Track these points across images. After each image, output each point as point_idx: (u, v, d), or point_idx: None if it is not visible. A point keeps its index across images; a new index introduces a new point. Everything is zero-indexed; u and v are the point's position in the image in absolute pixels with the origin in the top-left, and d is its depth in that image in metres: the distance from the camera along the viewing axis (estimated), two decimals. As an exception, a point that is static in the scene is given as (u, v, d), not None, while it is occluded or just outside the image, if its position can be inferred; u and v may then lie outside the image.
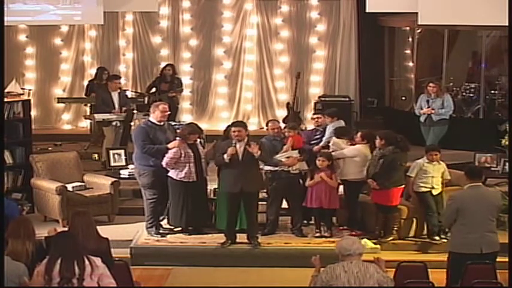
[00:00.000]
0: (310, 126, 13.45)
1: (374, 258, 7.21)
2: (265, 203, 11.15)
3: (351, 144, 11.28)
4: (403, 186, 10.92)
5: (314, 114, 12.48)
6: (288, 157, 10.92)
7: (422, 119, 13.47)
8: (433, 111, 13.32)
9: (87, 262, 6.93)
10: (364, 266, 6.79)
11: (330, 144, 11.39)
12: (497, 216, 8.92)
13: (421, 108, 13.49)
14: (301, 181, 11.19)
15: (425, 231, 11.10)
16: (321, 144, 11.70)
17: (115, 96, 14.18)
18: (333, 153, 11.14)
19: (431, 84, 13.46)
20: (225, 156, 10.39)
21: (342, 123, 12.05)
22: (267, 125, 11.69)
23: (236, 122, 11.31)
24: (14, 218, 8.06)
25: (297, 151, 11.01)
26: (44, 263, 6.93)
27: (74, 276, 6.84)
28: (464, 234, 8.60)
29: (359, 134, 11.26)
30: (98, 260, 7.03)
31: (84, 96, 15.92)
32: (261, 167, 10.89)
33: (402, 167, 10.86)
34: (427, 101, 13.43)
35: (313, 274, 7.04)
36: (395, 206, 10.89)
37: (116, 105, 14.09)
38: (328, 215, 11.11)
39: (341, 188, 11.33)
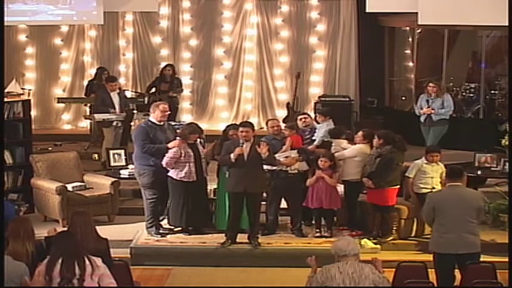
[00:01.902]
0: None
1: (372, 259, 7.22)
2: (265, 203, 11.15)
3: (353, 144, 11.30)
4: (399, 186, 10.92)
5: (300, 114, 12.40)
6: (286, 157, 10.92)
7: (422, 119, 13.48)
8: (433, 111, 13.32)
9: (87, 262, 6.93)
10: (360, 266, 6.78)
11: (333, 145, 11.38)
12: (479, 218, 8.80)
13: (421, 108, 13.49)
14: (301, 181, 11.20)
15: (426, 231, 11.10)
16: (315, 143, 11.70)
17: (114, 96, 14.18)
18: (337, 154, 11.13)
19: (431, 84, 13.47)
20: (232, 155, 10.40)
21: (331, 122, 12.03)
22: (266, 124, 11.70)
23: (244, 122, 11.33)
24: (11, 219, 8.03)
25: (295, 151, 11.01)
26: (45, 263, 6.93)
27: (75, 277, 6.85)
28: (441, 233, 8.56)
29: (360, 133, 11.25)
30: (98, 260, 7.03)
31: (84, 96, 15.92)
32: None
33: (398, 166, 10.86)
34: (427, 101, 13.44)
35: (309, 275, 7.04)
36: (392, 206, 10.88)
37: (116, 106, 14.10)
38: (329, 215, 11.11)
39: (341, 188, 11.31)
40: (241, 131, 10.56)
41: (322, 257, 7.25)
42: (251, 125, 10.80)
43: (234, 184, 10.54)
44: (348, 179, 11.13)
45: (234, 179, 10.54)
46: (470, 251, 8.49)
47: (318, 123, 12.09)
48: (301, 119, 12.00)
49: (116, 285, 7.09)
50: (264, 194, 11.15)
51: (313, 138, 11.83)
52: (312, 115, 13.20)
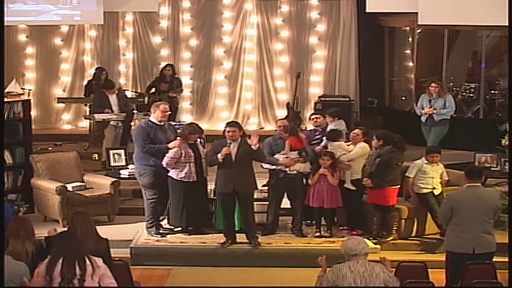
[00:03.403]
0: (310, 126, 13.43)
1: (380, 258, 7.24)
2: (265, 203, 11.15)
3: (353, 145, 11.30)
4: (399, 186, 10.93)
5: (313, 114, 12.45)
6: (286, 157, 10.91)
7: (423, 119, 13.45)
8: (434, 111, 13.30)
9: (88, 262, 6.92)
10: (371, 265, 6.82)
11: (329, 147, 11.36)
12: (495, 218, 8.86)
13: (422, 108, 13.47)
14: (304, 181, 11.19)
15: (426, 231, 11.10)
16: (323, 144, 11.68)
17: (112, 98, 14.17)
18: (344, 156, 11.12)
19: (433, 85, 13.44)
20: (219, 156, 10.40)
21: (342, 123, 12.05)
22: (276, 123, 11.73)
23: (230, 122, 11.26)
24: (9, 219, 8.03)
25: (296, 152, 10.99)
26: (45, 263, 6.93)
27: (75, 277, 6.84)
28: (458, 233, 8.60)
29: (359, 131, 11.25)
30: (99, 261, 7.02)
31: (83, 96, 15.93)
32: (261, 165, 10.91)
33: (398, 166, 10.86)
34: (429, 101, 13.41)
35: (319, 274, 7.07)
36: (392, 206, 10.88)
37: (114, 107, 14.08)
38: (329, 214, 11.11)
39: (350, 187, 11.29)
40: (228, 131, 10.54)
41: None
42: (238, 124, 10.80)
43: (223, 184, 10.54)
44: (355, 178, 11.11)
45: (222, 179, 10.54)
46: (486, 251, 8.57)
47: (327, 123, 12.06)
48: (313, 119, 12.02)
49: (116, 286, 7.08)
50: (265, 195, 11.17)
51: (323, 138, 11.81)
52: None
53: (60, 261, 6.87)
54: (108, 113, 14.03)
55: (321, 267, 7.17)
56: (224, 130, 11.48)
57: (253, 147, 10.42)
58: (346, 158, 11.14)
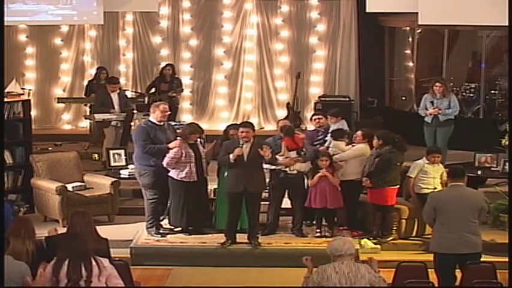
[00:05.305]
0: (310, 126, 13.42)
1: (367, 258, 7.22)
2: (266, 203, 11.16)
3: (351, 145, 11.29)
4: (398, 186, 10.93)
5: (314, 115, 12.42)
6: (286, 157, 10.91)
7: (428, 119, 13.23)
8: (440, 112, 13.15)
9: (94, 263, 6.90)
10: (356, 266, 6.80)
11: (330, 146, 11.38)
12: (481, 218, 8.79)
13: (426, 109, 13.27)
14: (305, 181, 11.19)
15: (426, 231, 11.10)
16: (326, 144, 11.65)
17: (114, 97, 14.19)
18: (337, 156, 11.14)
19: (437, 84, 13.22)
20: (231, 156, 10.40)
21: (344, 123, 12.04)
22: (277, 124, 11.71)
23: (244, 122, 11.31)
24: (9, 220, 8.02)
25: (294, 152, 10.99)
26: (51, 264, 6.91)
27: (81, 278, 6.81)
28: (443, 234, 8.56)
29: (360, 132, 11.26)
30: (105, 261, 7.00)
31: (84, 96, 15.93)
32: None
33: (398, 166, 10.86)
34: (432, 102, 13.26)
35: (305, 275, 7.05)
36: (391, 206, 10.89)
37: (116, 106, 14.10)
38: (330, 214, 11.11)
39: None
40: (241, 131, 10.54)
41: (322, 257, 7.21)
42: (251, 125, 10.78)
43: (234, 184, 10.53)
44: (349, 178, 11.13)
45: (233, 179, 10.54)
46: (471, 251, 8.49)
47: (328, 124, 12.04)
48: (315, 119, 11.98)
49: (123, 286, 7.06)
50: (266, 194, 11.17)
51: (326, 139, 11.79)
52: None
53: (66, 262, 6.86)
54: (112, 112, 14.02)
55: (307, 267, 7.16)
56: (224, 130, 11.54)
57: (265, 158, 10.41)
58: (337, 158, 11.13)
